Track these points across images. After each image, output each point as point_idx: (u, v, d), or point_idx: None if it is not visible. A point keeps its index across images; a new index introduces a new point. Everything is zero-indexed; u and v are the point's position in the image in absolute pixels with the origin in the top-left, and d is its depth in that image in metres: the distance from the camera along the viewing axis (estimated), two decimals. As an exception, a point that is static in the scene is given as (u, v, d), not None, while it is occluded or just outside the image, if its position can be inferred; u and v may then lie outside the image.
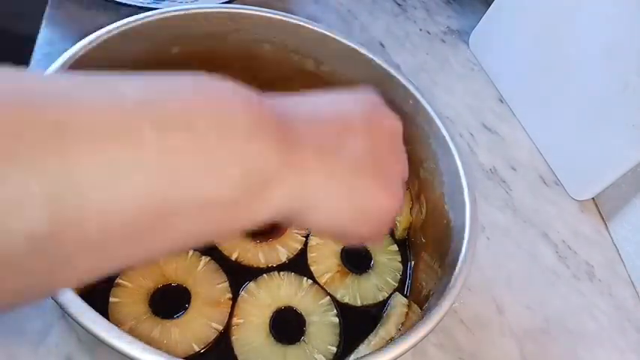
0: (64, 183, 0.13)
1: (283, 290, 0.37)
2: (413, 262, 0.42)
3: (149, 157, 0.15)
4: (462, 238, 0.35)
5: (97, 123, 0.14)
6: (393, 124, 0.27)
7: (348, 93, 0.25)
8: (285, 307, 0.37)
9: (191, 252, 0.37)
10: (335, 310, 0.37)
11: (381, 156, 0.24)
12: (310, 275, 0.39)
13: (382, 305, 0.39)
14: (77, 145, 0.14)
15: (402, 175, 0.26)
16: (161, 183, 0.15)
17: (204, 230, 0.18)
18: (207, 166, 0.16)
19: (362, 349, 0.35)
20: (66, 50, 0.35)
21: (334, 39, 0.44)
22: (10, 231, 0.13)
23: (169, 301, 0.35)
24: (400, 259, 0.42)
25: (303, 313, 0.37)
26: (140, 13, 0.39)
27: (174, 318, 0.34)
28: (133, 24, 0.38)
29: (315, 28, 0.43)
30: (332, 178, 0.21)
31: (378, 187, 0.23)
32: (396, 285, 0.40)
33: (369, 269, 0.40)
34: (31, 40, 0.48)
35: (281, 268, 0.38)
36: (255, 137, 0.18)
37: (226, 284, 0.36)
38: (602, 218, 0.57)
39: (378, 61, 0.43)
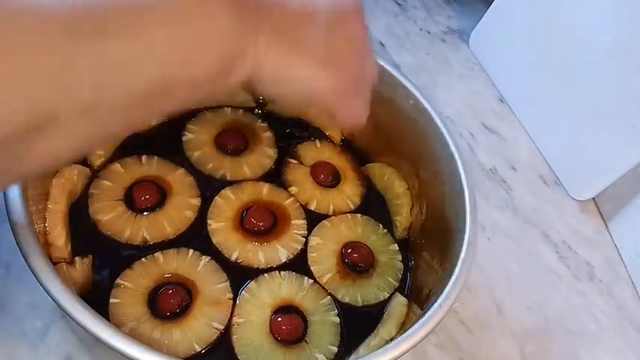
0: (104, 67, 0.19)
1: (284, 290, 0.37)
2: (413, 262, 0.42)
3: (159, 50, 0.20)
4: (462, 238, 0.35)
5: (127, 18, 0.19)
6: (356, 28, 0.28)
7: None
8: (286, 306, 0.37)
9: (191, 252, 0.37)
10: (336, 310, 0.37)
11: (336, 51, 0.26)
12: (310, 275, 0.39)
13: (383, 305, 0.39)
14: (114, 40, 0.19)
15: (361, 70, 0.29)
16: (164, 68, 0.21)
17: (194, 98, 0.24)
18: (194, 54, 0.22)
19: (362, 349, 0.35)
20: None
21: (334, 39, 0.43)
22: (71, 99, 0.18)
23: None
24: (401, 259, 0.42)
25: (304, 313, 0.37)
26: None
27: (175, 318, 0.34)
28: (133, 24, 0.38)
29: (316, 28, 0.43)
30: (282, 57, 0.25)
31: (318, 70, 0.26)
32: (397, 285, 0.40)
33: (369, 269, 0.40)
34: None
35: (281, 268, 0.38)
36: (229, 31, 0.22)
37: (227, 284, 0.36)
38: (603, 218, 0.58)
39: (378, 60, 0.43)
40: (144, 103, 0.21)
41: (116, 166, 0.40)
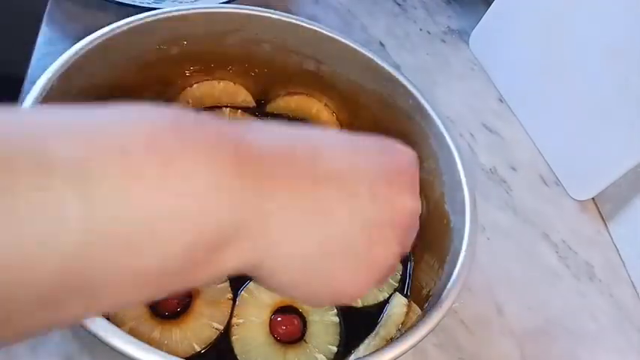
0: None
1: (283, 290, 0.37)
2: (413, 262, 0.42)
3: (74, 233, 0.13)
4: (462, 238, 0.35)
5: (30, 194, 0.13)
6: (410, 206, 0.20)
7: (377, 141, 0.20)
8: (286, 306, 0.37)
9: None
10: (335, 310, 0.37)
11: (375, 241, 0.18)
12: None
13: (382, 305, 0.39)
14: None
15: (389, 272, 0.21)
16: (86, 256, 0.13)
17: (136, 297, 0.15)
18: (152, 234, 0.14)
19: (362, 349, 0.35)
20: (66, 50, 0.35)
21: (334, 39, 0.43)
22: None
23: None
24: (401, 259, 0.42)
25: (303, 313, 0.37)
26: (140, 13, 0.39)
27: (175, 318, 0.34)
28: (133, 24, 0.38)
29: (315, 28, 0.43)
30: (300, 249, 0.16)
31: (351, 275, 0.18)
32: (397, 285, 0.40)
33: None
34: (31, 40, 0.48)
35: (281, 268, 0.38)
36: (222, 193, 0.14)
37: (227, 284, 0.36)
38: (602, 218, 0.57)
39: (378, 61, 0.43)
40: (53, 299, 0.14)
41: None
